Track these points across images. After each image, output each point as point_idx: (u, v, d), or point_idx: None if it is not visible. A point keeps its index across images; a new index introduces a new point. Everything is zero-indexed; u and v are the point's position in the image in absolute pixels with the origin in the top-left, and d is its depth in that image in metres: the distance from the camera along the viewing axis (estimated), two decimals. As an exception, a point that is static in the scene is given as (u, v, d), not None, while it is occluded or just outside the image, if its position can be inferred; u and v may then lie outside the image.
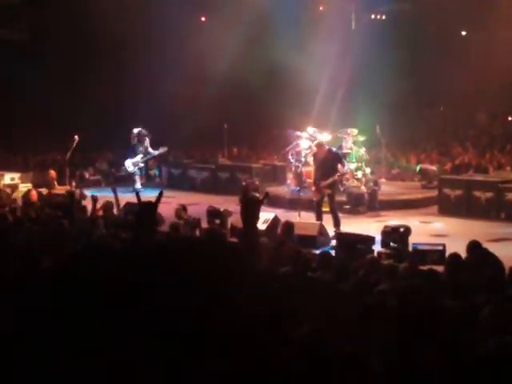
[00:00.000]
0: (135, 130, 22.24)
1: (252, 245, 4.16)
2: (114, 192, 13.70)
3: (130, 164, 22.17)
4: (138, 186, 21.69)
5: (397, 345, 4.57)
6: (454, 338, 4.82)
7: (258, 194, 11.61)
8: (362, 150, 19.74)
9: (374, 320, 5.42)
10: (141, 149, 22.19)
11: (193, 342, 1.27)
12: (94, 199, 12.84)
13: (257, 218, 5.25)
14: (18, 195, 15.05)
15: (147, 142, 22.30)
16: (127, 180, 22.19)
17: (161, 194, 4.48)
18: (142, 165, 22.40)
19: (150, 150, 22.27)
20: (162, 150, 22.32)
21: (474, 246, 9.73)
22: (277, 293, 5.19)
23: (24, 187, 18.86)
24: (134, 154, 22.21)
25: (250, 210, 3.77)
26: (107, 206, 13.24)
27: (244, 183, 20.53)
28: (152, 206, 4.38)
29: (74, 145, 22.50)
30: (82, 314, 1.94)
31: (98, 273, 2.19)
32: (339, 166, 15.35)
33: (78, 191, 15.11)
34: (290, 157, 20.38)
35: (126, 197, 14.99)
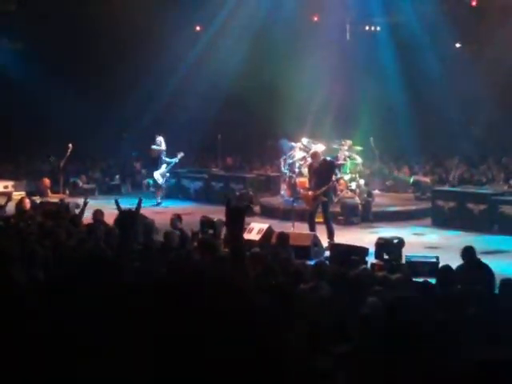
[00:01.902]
0: (158, 141, 21.83)
1: (238, 255, 4.14)
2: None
3: (159, 176, 21.79)
4: (159, 199, 21.58)
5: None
6: (440, 351, 4.83)
7: (251, 204, 11.65)
8: (359, 160, 19.81)
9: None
10: (164, 159, 21.87)
11: (184, 367, 1.28)
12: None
13: (242, 227, 5.23)
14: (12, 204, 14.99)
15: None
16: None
17: (140, 202, 4.45)
18: (168, 175, 22.09)
19: (167, 158, 21.92)
20: (179, 156, 21.97)
21: (468, 252, 9.81)
22: (268, 305, 5.19)
23: (17, 195, 18.84)
24: (156, 166, 21.89)
25: (233, 220, 3.78)
26: (98, 216, 13.17)
27: (238, 193, 20.58)
28: (133, 214, 4.33)
29: (69, 153, 22.48)
30: (78, 330, 1.95)
31: (93, 285, 2.21)
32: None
33: (78, 200, 15.06)
34: (282, 167, 20.38)
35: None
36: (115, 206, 4.79)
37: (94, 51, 27.57)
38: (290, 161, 19.90)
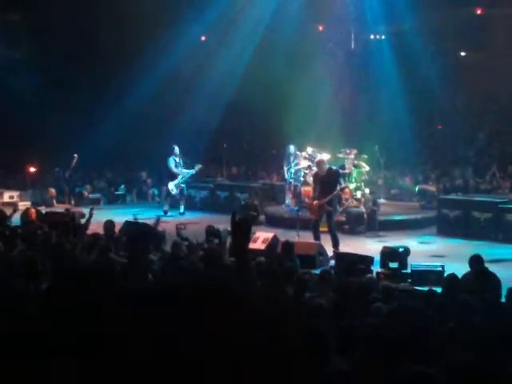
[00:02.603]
0: (176, 151, 21.44)
1: (243, 265, 4.12)
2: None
3: (173, 187, 21.43)
4: (182, 209, 21.41)
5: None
6: (444, 360, 4.82)
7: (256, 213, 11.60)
8: (367, 168, 19.71)
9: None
10: (180, 169, 21.48)
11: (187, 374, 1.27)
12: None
13: (247, 238, 5.20)
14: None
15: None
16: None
17: (158, 220, 4.40)
18: (183, 186, 21.66)
19: (184, 169, 21.56)
20: (197, 168, 21.73)
21: (476, 261, 9.81)
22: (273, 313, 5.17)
23: (23, 205, 18.86)
24: (171, 177, 21.53)
25: (240, 232, 3.76)
26: (108, 226, 13.14)
27: (243, 203, 20.56)
28: (149, 231, 4.31)
29: (74, 163, 22.53)
30: (79, 339, 1.95)
31: (96, 295, 2.20)
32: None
33: (84, 210, 15.05)
34: (286, 174, 20.25)
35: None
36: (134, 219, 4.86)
37: (94, 56, 27.58)
38: (292, 170, 19.83)
